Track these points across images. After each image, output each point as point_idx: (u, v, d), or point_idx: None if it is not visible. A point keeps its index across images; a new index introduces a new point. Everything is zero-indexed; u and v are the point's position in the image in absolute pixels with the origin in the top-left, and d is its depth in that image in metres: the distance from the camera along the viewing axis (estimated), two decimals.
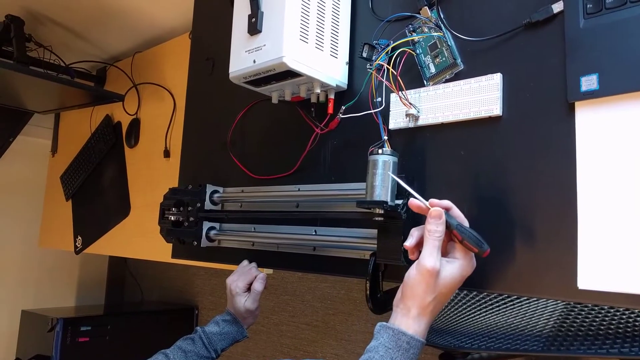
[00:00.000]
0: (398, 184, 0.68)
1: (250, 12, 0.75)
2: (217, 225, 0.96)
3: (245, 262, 0.90)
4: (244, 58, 0.76)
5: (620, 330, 0.59)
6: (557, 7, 0.62)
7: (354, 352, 1.63)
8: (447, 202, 0.59)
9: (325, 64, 0.77)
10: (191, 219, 0.93)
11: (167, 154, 1.48)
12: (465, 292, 0.75)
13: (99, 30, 1.60)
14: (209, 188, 0.96)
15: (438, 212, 0.57)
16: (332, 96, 0.81)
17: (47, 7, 1.44)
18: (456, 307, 0.73)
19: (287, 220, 0.87)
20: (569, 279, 0.58)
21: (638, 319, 0.59)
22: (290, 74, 0.74)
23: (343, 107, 0.78)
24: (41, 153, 2.11)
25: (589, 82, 0.58)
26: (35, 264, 2.25)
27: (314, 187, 0.84)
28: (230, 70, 0.78)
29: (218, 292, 2.17)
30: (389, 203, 0.67)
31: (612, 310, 0.61)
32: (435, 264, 0.55)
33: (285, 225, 0.87)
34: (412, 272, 0.58)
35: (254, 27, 0.74)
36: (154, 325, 2.01)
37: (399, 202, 0.68)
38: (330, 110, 0.81)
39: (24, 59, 1.40)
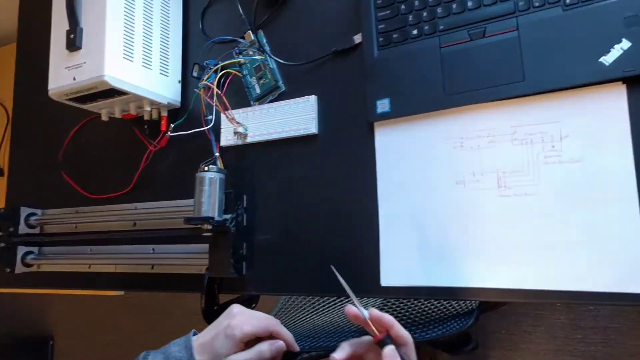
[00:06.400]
0: (231, 197, 0.71)
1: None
2: (35, 249, 0.91)
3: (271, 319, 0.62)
4: (64, 75, 0.73)
5: (414, 319, 0.69)
6: (357, 38, 0.70)
7: None
8: (388, 319, 0.50)
9: (154, 82, 0.77)
10: (2, 244, 0.87)
11: (1, 172, 1.34)
12: (294, 296, 0.80)
13: None
14: (24, 211, 0.91)
15: (392, 353, 0.48)
16: (165, 114, 0.81)
17: None
18: (287, 311, 0.78)
19: (125, 240, 0.85)
20: (375, 277, 0.65)
21: (416, 308, 0.69)
22: (115, 91, 0.73)
23: (172, 125, 0.79)
24: None
25: (382, 105, 0.67)
26: None
27: (151, 205, 0.83)
28: (49, 87, 0.74)
29: (76, 317, 2.01)
30: (216, 218, 0.69)
31: (409, 302, 0.71)
32: None
33: (123, 245, 0.85)
34: None
35: (73, 44, 0.71)
36: None
37: (227, 216, 0.71)
38: (164, 127, 0.81)
39: None
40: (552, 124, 0.57)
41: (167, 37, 0.80)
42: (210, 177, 0.70)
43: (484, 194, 0.60)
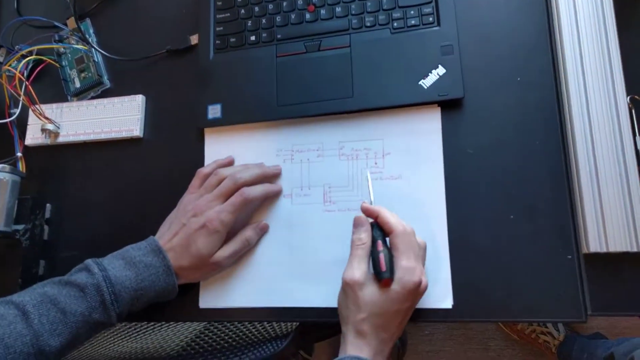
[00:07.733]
0: (27, 205, 0.60)
1: None
2: None
3: (255, 172, 0.57)
4: None
5: (232, 342, 0.64)
6: (193, 39, 0.65)
7: None
8: (374, 208, 0.51)
9: None
10: None
11: None
12: None
13: None
14: None
15: (358, 221, 0.51)
16: None
17: None
18: (96, 339, 0.67)
19: None
20: (195, 300, 0.59)
21: (244, 330, 0.64)
22: None
23: None
24: None
25: (214, 111, 0.62)
26: None
27: None
28: None
29: None
30: (2, 229, 0.57)
31: (232, 325, 0.65)
32: (354, 275, 0.47)
33: None
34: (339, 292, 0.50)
35: None
36: None
37: (19, 227, 0.59)
38: None
39: None
40: (376, 141, 0.57)
41: None
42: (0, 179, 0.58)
43: (310, 208, 0.57)
